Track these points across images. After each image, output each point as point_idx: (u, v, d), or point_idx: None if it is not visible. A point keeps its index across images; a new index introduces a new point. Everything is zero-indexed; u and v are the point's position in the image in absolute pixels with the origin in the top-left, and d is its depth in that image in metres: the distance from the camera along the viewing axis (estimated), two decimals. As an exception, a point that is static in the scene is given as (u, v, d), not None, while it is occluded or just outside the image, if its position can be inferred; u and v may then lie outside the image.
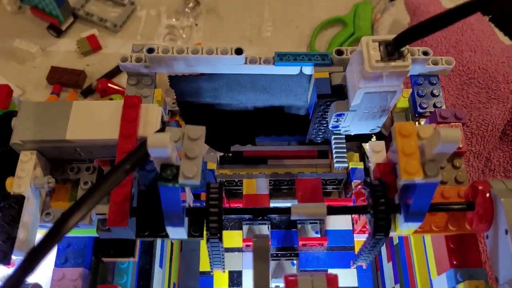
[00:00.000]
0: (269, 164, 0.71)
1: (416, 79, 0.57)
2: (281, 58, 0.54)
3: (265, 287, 0.43)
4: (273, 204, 0.67)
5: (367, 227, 0.61)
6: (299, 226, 0.67)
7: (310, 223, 0.68)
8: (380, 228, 0.44)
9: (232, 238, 0.67)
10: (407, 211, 0.43)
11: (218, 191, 0.43)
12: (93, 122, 0.47)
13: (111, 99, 0.85)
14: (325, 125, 0.61)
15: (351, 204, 0.61)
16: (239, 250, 0.66)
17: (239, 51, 0.52)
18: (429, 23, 0.39)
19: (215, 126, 0.66)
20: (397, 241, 0.62)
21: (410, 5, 0.89)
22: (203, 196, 0.60)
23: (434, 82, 0.57)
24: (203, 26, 0.97)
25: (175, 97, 0.63)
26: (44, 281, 0.47)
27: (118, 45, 0.94)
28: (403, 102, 0.59)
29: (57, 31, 0.93)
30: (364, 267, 0.65)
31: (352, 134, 0.59)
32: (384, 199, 0.43)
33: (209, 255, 0.51)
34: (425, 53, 0.54)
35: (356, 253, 0.65)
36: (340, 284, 0.41)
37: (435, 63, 0.55)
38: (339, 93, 0.53)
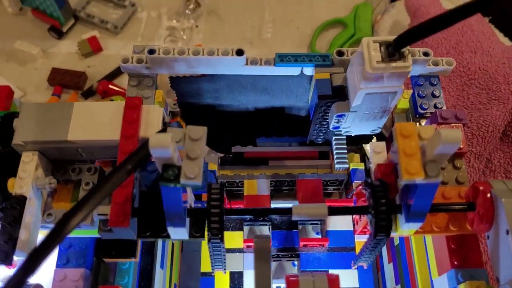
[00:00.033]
0: (270, 165, 0.71)
1: (416, 80, 0.57)
2: (282, 59, 0.54)
3: (267, 287, 0.43)
4: (274, 205, 0.67)
5: (368, 227, 0.61)
6: (300, 227, 0.67)
7: (311, 224, 0.68)
8: (381, 229, 0.44)
9: (233, 239, 0.67)
10: (408, 211, 0.43)
11: (220, 192, 0.43)
12: (95, 123, 0.47)
13: (112, 100, 0.85)
14: (326, 126, 0.61)
15: (352, 204, 0.61)
16: (240, 251, 0.66)
17: (240, 52, 0.53)
18: (430, 24, 0.39)
19: (216, 127, 0.66)
20: (398, 241, 0.62)
21: (411, 7, 0.90)
22: (204, 197, 0.60)
23: (435, 83, 0.57)
24: (204, 27, 0.97)
25: (176, 98, 0.63)
26: (45, 282, 0.47)
27: (119, 46, 0.94)
28: (403, 103, 0.59)
29: (58, 33, 0.93)
30: (365, 268, 0.65)
31: (353, 135, 0.59)
32: (385, 200, 0.43)
33: (211, 255, 0.51)
34: (426, 54, 0.54)
35: (357, 254, 0.65)
36: (341, 285, 0.42)
37: (436, 64, 0.56)
38: (340, 94, 0.53)
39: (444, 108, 0.56)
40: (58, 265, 0.50)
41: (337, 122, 0.55)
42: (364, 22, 0.95)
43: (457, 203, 0.47)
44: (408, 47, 0.43)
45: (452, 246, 0.49)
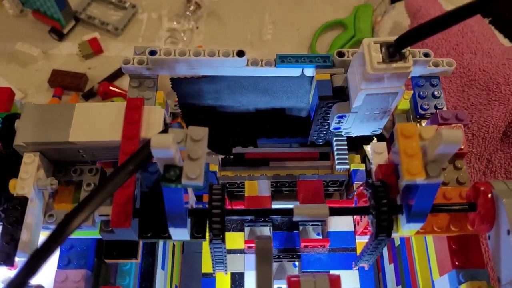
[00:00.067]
0: (270, 166, 0.71)
1: (417, 80, 0.57)
2: (283, 60, 0.54)
3: (268, 288, 0.43)
4: (275, 206, 0.67)
5: (368, 228, 0.61)
6: (300, 227, 0.67)
7: (312, 224, 0.68)
8: (383, 229, 0.44)
9: (234, 240, 0.67)
10: (409, 211, 0.43)
11: (221, 192, 0.43)
12: (96, 124, 0.47)
13: (113, 101, 0.85)
14: (326, 126, 0.61)
15: (353, 205, 0.61)
16: (241, 252, 0.66)
17: (240, 53, 0.53)
18: (430, 24, 0.40)
19: (217, 128, 0.66)
20: (399, 242, 0.62)
21: (411, 8, 0.90)
22: (205, 197, 0.60)
23: (435, 84, 0.57)
24: (204, 29, 0.97)
25: (176, 99, 0.63)
26: (47, 283, 0.47)
27: (120, 48, 0.94)
28: (404, 103, 0.59)
29: (59, 35, 0.93)
30: (366, 268, 0.65)
31: (354, 135, 0.59)
32: (387, 200, 0.43)
33: (212, 256, 0.51)
34: (426, 55, 0.54)
35: (358, 254, 0.66)
36: (342, 285, 0.42)
37: (436, 64, 0.56)
38: (341, 94, 0.53)
39: (445, 108, 0.56)
40: (59, 266, 0.50)
41: (338, 123, 0.55)
42: (364, 23, 0.95)
43: (458, 203, 0.47)
44: (409, 48, 0.44)
45: (453, 246, 0.49)
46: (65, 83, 0.88)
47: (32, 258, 0.33)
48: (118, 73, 0.89)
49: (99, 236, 0.47)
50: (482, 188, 0.44)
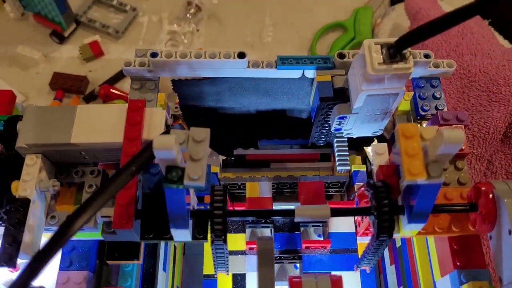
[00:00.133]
0: (271, 168, 0.71)
1: (417, 82, 0.57)
2: (284, 61, 0.54)
3: (270, 288, 0.43)
4: (276, 207, 0.67)
5: (370, 229, 0.62)
6: (302, 229, 0.68)
7: (313, 226, 0.68)
8: (384, 230, 0.44)
9: (236, 241, 0.67)
10: (410, 212, 0.43)
11: (223, 193, 0.43)
12: (98, 125, 0.47)
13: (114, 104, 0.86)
14: (327, 128, 0.61)
15: (354, 206, 0.62)
16: (242, 253, 0.66)
17: (241, 55, 0.53)
18: (431, 26, 0.40)
19: (218, 129, 0.66)
20: (400, 243, 0.62)
21: (411, 10, 0.90)
22: (206, 199, 0.60)
23: (436, 85, 0.57)
24: (205, 31, 0.98)
25: (177, 101, 0.63)
26: (49, 284, 0.47)
27: (120, 51, 0.94)
28: (404, 104, 0.59)
29: (60, 38, 0.93)
30: (368, 271, 0.65)
31: (354, 137, 0.59)
32: (388, 200, 0.43)
33: (214, 257, 0.51)
34: (427, 56, 0.54)
35: (359, 255, 0.66)
36: (344, 286, 0.42)
37: (437, 65, 0.56)
38: (341, 96, 0.53)
39: (445, 109, 0.56)
40: (61, 268, 0.50)
41: (339, 124, 0.55)
42: (364, 25, 0.96)
43: (459, 204, 0.47)
44: (409, 49, 0.44)
45: (455, 247, 0.49)
46: (66, 86, 0.88)
47: (34, 259, 0.33)
48: (119, 76, 0.90)
49: (101, 238, 0.47)
50: (483, 188, 0.44)
